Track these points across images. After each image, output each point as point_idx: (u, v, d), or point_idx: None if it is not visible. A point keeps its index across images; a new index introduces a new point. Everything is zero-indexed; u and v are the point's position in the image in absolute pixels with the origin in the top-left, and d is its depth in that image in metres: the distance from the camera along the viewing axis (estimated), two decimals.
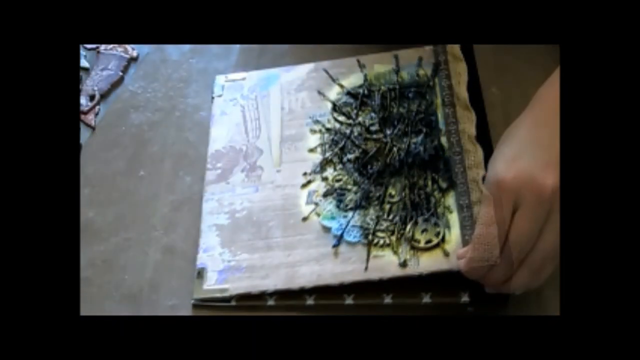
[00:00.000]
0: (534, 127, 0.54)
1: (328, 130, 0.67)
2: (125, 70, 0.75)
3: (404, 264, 0.57)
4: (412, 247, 0.58)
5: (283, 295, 0.58)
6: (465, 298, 0.56)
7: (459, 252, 0.55)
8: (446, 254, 0.57)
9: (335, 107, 0.68)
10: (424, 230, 0.58)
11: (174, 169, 0.68)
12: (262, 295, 0.58)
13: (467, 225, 0.57)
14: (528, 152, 0.52)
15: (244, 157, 0.66)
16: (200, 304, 0.59)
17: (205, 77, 0.74)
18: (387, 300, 0.57)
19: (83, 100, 0.73)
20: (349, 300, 0.58)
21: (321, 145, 0.66)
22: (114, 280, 0.61)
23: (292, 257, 0.59)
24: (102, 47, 0.77)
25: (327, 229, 0.60)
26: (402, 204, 0.60)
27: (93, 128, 0.71)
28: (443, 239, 0.57)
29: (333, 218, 0.61)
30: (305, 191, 0.63)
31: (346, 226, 0.60)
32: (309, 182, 0.64)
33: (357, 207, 0.61)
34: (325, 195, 0.62)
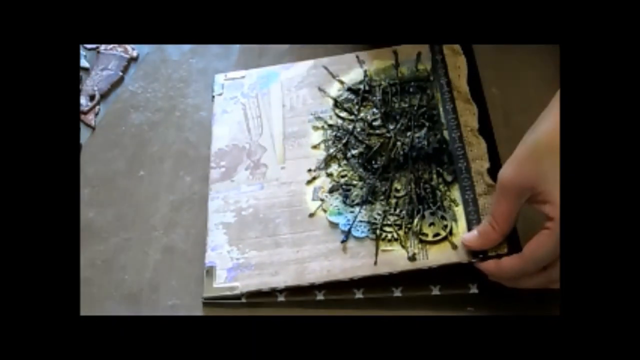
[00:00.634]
0: (545, 134, 0.54)
1: (330, 126, 0.67)
2: (125, 70, 0.75)
3: (412, 258, 0.57)
4: (420, 241, 0.58)
5: (293, 291, 0.58)
6: (474, 289, 0.57)
7: (464, 238, 0.57)
8: (454, 247, 0.57)
9: (337, 104, 0.68)
10: (431, 224, 0.59)
11: (174, 169, 0.68)
12: (272, 292, 0.59)
13: (473, 218, 0.57)
14: (534, 157, 0.53)
15: (247, 154, 0.67)
16: (211, 302, 0.59)
17: (205, 77, 0.74)
18: (397, 293, 0.58)
19: (83, 100, 0.73)
20: (358, 295, 0.58)
21: (324, 141, 0.66)
22: (114, 280, 0.61)
23: (301, 253, 0.59)
24: (102, 47, 0.77)
25: (334, 225, 0.60)
26: (408, 198, 0.61)
27: (93, 128, 0.71)
28: (450, 232, 0.58)
29: (340, 214, 0.61)
30: (311, 187, 0.63)
31: (353, 221, 0.60)
32: (314, 178, 0.64)
33: (364, 202, 0.61)
34: (331, 191, 0.63)
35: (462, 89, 0.65)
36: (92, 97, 0.73)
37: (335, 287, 0.58)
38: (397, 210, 0.60)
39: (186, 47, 0.76)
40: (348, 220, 0.60)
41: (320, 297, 0.58)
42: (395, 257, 0.58)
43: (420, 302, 0.58)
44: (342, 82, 0.69)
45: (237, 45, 0.76)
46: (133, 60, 0.76)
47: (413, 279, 0.57)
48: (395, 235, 0.59)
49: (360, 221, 0.60)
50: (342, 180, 0.63)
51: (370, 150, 0.64)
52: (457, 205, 0.59)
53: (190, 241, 0.63)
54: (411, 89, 0.67)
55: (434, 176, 0.61)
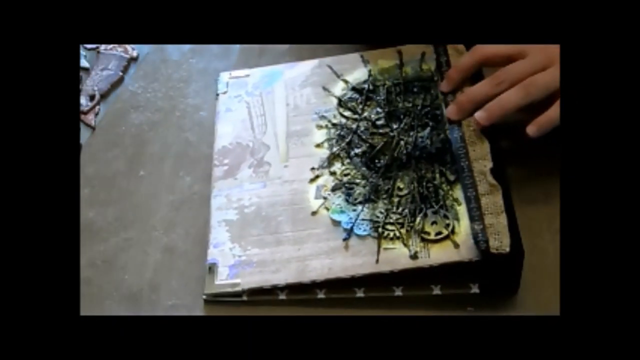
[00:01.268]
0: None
1: (334, 125, 0.67)
2: (125, 70, 0.75)
3: (414, 256, 0.57)
4: (422, 240, 0.58)
5: (294, 289, 0.58)
6: (475, 289, 0.57)
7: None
8: (456, 246, 0.57)
9: (341, 103, 0.68)
10: (434, 223, 0.59)
11: (174, 169, 0.68)
12: (273, 290, 0.59)
13: (475, 215, 0.57)
14: None
15: (250, 153, 0.67)
16: (212, 299, 0.59)
17: (205, 77, 0.74)
18: (398, 292, 0.58)
19: (83, 100, 0.73)
20: (359, 293, 0.58)
21: (328, 140, 0.66)
22: (114, 280, 0.61)
23: (303, 251, 0.59)
24: (102, 47, 0.77)
25: (336, 223, 0.60)
26: (411, 197, 0.61)
27: (93, 128, 0.71)
28: (452, 231, 0.58)
29: (342, 212, 0.61)
30: (313, 186, 0.63)
31: (356, 220, 0.60)
32: (317, 176, 0.64)
33: (366, 200, 0.61)
34: (333, 189, 0.63)
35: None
36: (92, 97, 0.73)
37: (337, 286, 0.58)
38: (400, 209, 0.60)
39: (186, 47, 0.76)
40: (350, 218, 0.60)
41: (321, 295, 0.59)
42: (397, 256, 0.58)
43: (421, 301, 0.58)
44: (346, 82, 0.70)
45: (237, 45, 0.76)
46: (133, 60, 0.76)
47: (414, 278, 0.57)
48: (397, 234, 0.59)
49: (363, 219, 0.60)
50: (345, 179, 0.63)
51: (374, 149, 0.64)
52: (459, 205, 0.59)
53: (191, 241, 0.63)
54: (415, 89, 0.68)
55: (437, 175, 0.61)
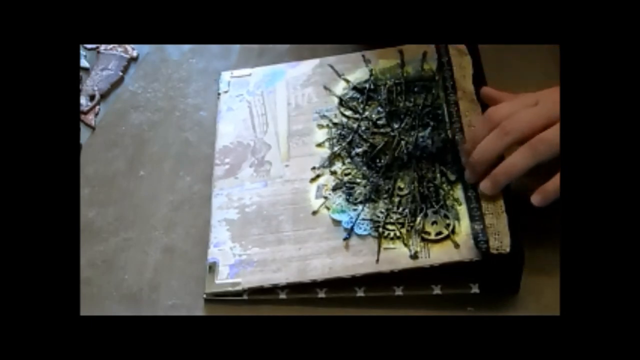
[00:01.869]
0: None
1: (335, 125, 0.67)
2: (125, 70, 0.75)
3: (414, 256, 0.57)
4: (423, 239, 0.58)
5: (295, 288, 0.58)
6: (475, 289, 0.57)
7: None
8: (456, 246, 0.57)
9: (342, 102, 0.68)
10: (434, 223, 0.59)
11: (174, 169, 0.68)
12: (274, 289, 0.59)
13: (476, 215, 0.57)
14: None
15: (252, 152, 0.67)
16: (212, 298, 0.59)
17: (205, 77, 0.74)
18: (398, 292, 0.58)
19: (83, 100, 0.73)
20: (360, 293, 0.58)
21: (329, 139, 0.66)
22: (114, 280, 0.61)
23: (303, 250, 0.60)
24: (102, 47, 0.77)
25: (337, 223, 0.61)
26: (412, 197, 0.61)
27: (93, 128, 0.71)
28: (453, 231, 0.58)
29: (343, 211, 0.61)
30: (314, 185, 0.63)
31: (356, 219, 0.60)
32: (318, 176, 0.64)
33: (367, 200, 0.61)
34: (334, 189, 0.63)
35: (467, 88, 0.65)
36: (92, 97, 0.73)
37: (337, 285, 0.58)
38: (400, 209, 0.60)
39: (186, 47, 0.76)
40: (351, 218, 0.60)
41: (321, 294, 0.59)
42: (398, 255, 0.58)
43: (421, 301, 0.58)
44: (347, 81, 0.70)
45: (237, 45, 0.76)
46: (133, 60, 0.76)
47: (414, 278, 0.57)
48: (398, 234, 0.59)
49: (363, 219, 0.60)
50: (346, 179, 0.63)
51: (375, 148, 0.64)
52: (460, 205, 0.59)
53: (191, 241, 0.63)
54: (416, 89, 0.68)
55: (438, 175, 0.61)
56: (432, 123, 0.65)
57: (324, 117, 0.68)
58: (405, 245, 0.58)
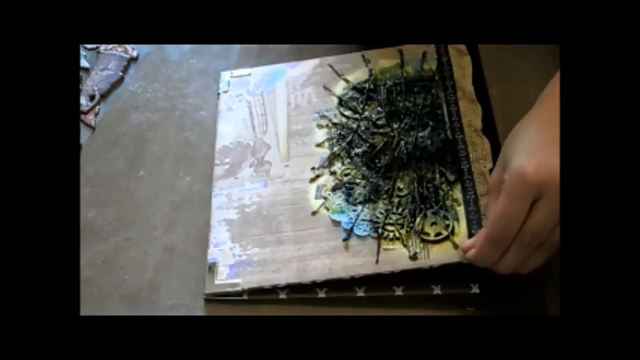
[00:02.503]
0: (547, 122, 0.53)
1: (335, 125, 0.67)
2: (125, 70, 0.75)
3: (414, 257, 0.57)
4: (422, 240, 0.58)
5: (295, 288, 0.59)
6: (475, 289, 0.57)
7: (463, 246, 0.56)
8: (456, 246, 0.57)
9: (342, 102, 0.68)
10: (433, 223, 0.59)
11: (174, 169, 0.68)
12: (273, 289, 0.59)
13: (474, 219, 0.57)
14: (548, 145, 0.51)
15: (251, 152, 0.67)
16: (212, 298, 0.59)
17: (205, 77, 0.74)
18: (398, 292, 0.58)
19: (83, 100, 0.73)
20: (360, 293, 0.58)
21: (328, 139, 0.66)
22: (114, 280, 0.61)
23: (303, 250, 0.60)
24: (102, 47, 0.77)
25: (336, 223, 0.61)
26: (411, 197, 0.61)
27: (93, 128, 0.71)
28: (452, 232, 0.58)
29: (342, 212, 0.61)
30: (314, 185, 0.63)
31: (356, 220, 0.60)
32: (318, 176, 0.64)
33: (366, 200, 0.61)
34: (334, 189, 0.63)
35: (467, 89, 0.65)
36: (92, 97, 0.73)
37: (337, 285, 0.58)
38: (400, 209, 0.60)
39: (186, 47, 0.76)
40: (350, 218, 0.60)
41: (321, 294, 0.59)
42: (397, 256, 0.58)
43: (421, 301, 0.58)
44: (347, 81, 0.70)
45: (237, 45, 0.76)
46: (133, 60, 0.76)
47: (414, 278, 0.57)
48: (397, 234, 0.59)
49: (363, 220, 0.60)
50: (345, 179, 0.63)
51: (374, 149, 0.64)
52: (459, 205, 0.59)
53: (191, 241, 0.63)
54: (416, 89, 0.68)
55: (437, 176, 0.61)
56: (431, 123, 0.65)
57: (323, 117, 0.68)
58: (405, 246, 0.58)
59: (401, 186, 0.62)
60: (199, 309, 0.60)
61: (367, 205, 0.61)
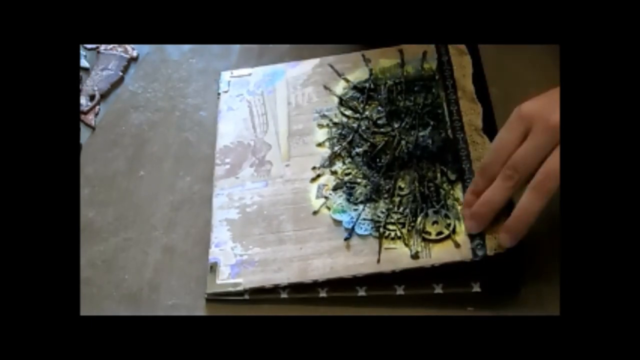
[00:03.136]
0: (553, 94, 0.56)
1: (336, 124, 0.67)
2: (125, 70, 0.75)
3: (415, 256, 0.57)
4: (424, 239, 0.58)
5: (296, 288, 0.59)
6: (476, 288, 0.57)
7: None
8: (457, 245, 0.57)
9: (342, 102, 0.68)
10: (435, 222, 0.59)
11: (174, 169, 0.68)
12: (275, 289, 0.59)
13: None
14: (550, 102, 0.55)
15: (252, 152, 0.67)
16: (214, 298, 0.59)
17: (205, 77, 0.74)
18: (400, 291, 0.58)
19: (83, 100, 0.73)
20: (361, 292, 0.58)
21: (329, 139, 0.66)
22: (114, 280, 0.61)
23: (304, 250, 0.60)
24: (102, 47, 0.77)
25: (338, 223, 0.61)
26: (412, 197, 0.61)
27: (93, 128, 0.71)
28: (454, 231, 0.58)
29: (344, 211, 0.61)
30: (315, 185, 0.63)
31: (357, 219, 0.60)
32: (318, 176, 0.64)
33: (368, 200, 0.61)
34: (335, 188, 0.63)
35: (467, 88, 0.66)
36: (92, 97, 0.73)
37: (338, 285, 0.58)
38: (401, 209, 0.60)
39: (186, 47, 0.76)
40: (352, 218, 0.60)
41: (323, 294, 0.59)
42: (398, 255, 0.58)
43: (422, 300, 0.58)
44: (347, 81, 0.70)
45: (237, 45, 0.76)
46: (133, 60, 0.76)
47: (416, 278, 0.57)
48: (399, 234, 0.59)
49: (364, 219, 0.60)
50: (346, 178, 0.63)
51: (375, 148, 0.64)
52: (460, 204, 0.59)
53: (191, 241, 0.63)
54: (416, 88, 0.68)
55: (438, 175, 0.61)
56: (432, 122, 0.65)
57: (324, 116, 0.68)
58: (406, 245, 0.58)
59: (402, 185, 0.62)
60: (199, 309, 0.60)
61: (368, 205, 0.61)
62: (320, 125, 0.67)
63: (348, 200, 0.62)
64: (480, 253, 0.56)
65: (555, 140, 0.53)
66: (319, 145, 0.66)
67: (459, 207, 0.59)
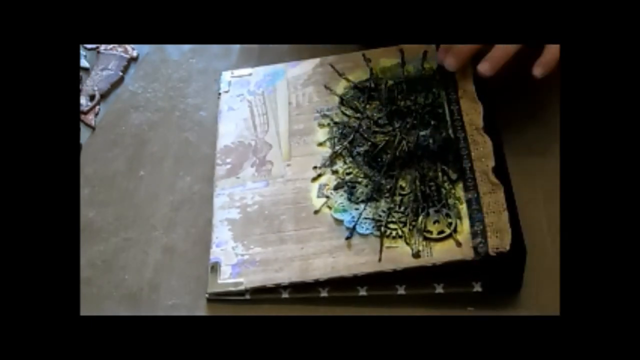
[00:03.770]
0: None
1: (336, 124, 0.67)
2: (125, 70, 0.75)
3: (417, 255, 0.57)
4: (425, 238, 0.58)
5: (297, 287, 0.59)
6: (477, 288, 0.57)
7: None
8: (458, 244, 0.57)
9: (343, 101, 0.68)
10: (436, 221, 0.59)
11: (174, 169, 0.68)
12: (276, 289, 0.59)
13: (476, 216, 0.57)
14: None
15: (253, 152, 0.67)
16: (215, 298, 0.59)
17: (205, 77, 0.74)
18: (401, 291, 0.58)
19: (83, 100, 0.73)
20: (362, 292, 0.58)
21: (330, 139, 0.66)
22: (114, 280, 0.61)
23: (306, 249, 0.60)
24: (102, 47, 0.77)
25: (339, 222, 0.61)
26: (413, 196, 0.61)
27: (93, 128, 0.71)
28: (455, 230, 0.58)
29: (345, 211, 0.61)
30: (316, 184, 0.63)
31: (358, 218, 0.60)
32: (319, 175, 0.64)
33: (369, 199, 0.61)
34: (336, 188, 0.63)
35: (467, 87, 0.66)
36: (92, 97, 0.73)
37: (339, 284, 0.58)
38: (402, 208, 0.60)
39: (186, 47, 0.76)
40: (353, 217, 0.60)
41: (324, 294, 0.59)
42: (400, 254, 0.58)
43: (423, 300, 0.58)
44: (348, 80, 0.70)
45: (237, 45, 0.76)
46: (133, 60, 0.76)
47: (417, 277, 0.57)
48: (400, 233, 0.59)
49: (365, 218, 0.60)
50: (348, 178, 0.63)
51: (376, 147, 0.64)
52: (461, 203, 0.59)
53: (191, 241, 0.63)
54: (417, 87, 0.68)
55: (439, 174, 0.61)
56: (433, 122, 0.65)
57: (325, 116, 0.68)
58: (408, 244, 0.58)
59: (403, 185, 0.62)
60: (199, 309, 0.60)
61: (369, 204, 0.61)
62: (321, 125, 0.67)
63: (349, 199, 0.62)
64: (481, 251, 0.56)
65: None
66: (320, 144, 0.66)
67: (460, 207, 0.59)
